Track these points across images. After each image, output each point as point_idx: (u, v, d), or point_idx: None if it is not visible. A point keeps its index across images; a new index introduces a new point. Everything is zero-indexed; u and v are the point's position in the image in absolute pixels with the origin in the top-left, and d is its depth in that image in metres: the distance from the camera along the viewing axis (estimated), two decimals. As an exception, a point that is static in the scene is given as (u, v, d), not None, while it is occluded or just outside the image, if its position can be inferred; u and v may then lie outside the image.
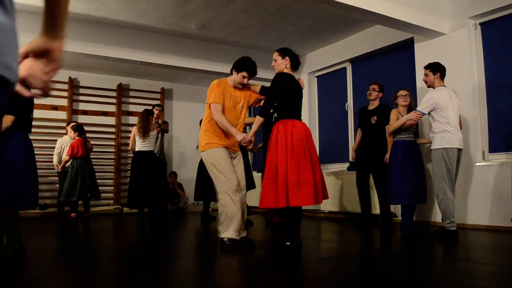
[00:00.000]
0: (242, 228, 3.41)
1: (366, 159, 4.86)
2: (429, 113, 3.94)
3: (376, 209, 5.14)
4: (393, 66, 5.92)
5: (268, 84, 3.56)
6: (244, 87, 3.55)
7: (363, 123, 4.98)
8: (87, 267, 2.93)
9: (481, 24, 4.80)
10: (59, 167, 6.30)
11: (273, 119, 3.31)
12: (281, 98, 3.20)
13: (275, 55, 3.36)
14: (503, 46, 4.61)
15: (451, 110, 3.86)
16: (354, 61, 6.52)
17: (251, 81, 3.65)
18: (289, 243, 3.10)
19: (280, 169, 3.03)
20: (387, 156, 4.60)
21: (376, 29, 5.84)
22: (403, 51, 5.76)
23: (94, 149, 7.84)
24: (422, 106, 3.94)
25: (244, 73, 3.47)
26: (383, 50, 5.95)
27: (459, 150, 3.88)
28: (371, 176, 4.91)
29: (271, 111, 3.69)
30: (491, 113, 4.70)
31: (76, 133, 6.04)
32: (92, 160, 7.75)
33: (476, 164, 4.60)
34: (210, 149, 3.40)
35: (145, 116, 5.40)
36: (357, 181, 4.97)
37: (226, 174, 3.32)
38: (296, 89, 3.26)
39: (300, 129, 3.14)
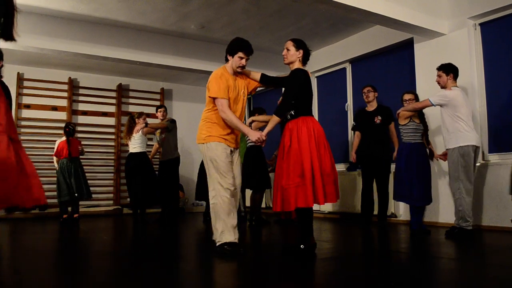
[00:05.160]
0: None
1: (372, 160, 4.82)
2: (441, 108, 4.00)
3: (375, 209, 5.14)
4: (393, 66, 5.92)
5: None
6: (243, 69, 3.29)
7: (365, 124, 4.97)
8: (86, 268, 2.93)
9: (480, 24, 4.80)
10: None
11: (289, 117, 3.12)
12: (299, 95, 3.07)
13: (289, 44, 3.17)
14: (503, 47, 4.61)
15: (465, 109, 3.92)
16: (354, 61, 6.52)
17: (250, 69, 3.42)
18: (303, 246, 3.00)
19: (305, 167, 2.91)
20: (395, 154, 4.74)
21: (376, 30, 5.84)
22: (403, 52, 5.76)
23: (93, 150, 7.88)
24: (434, 97, 4.00)
25: (240, 54, 3.17)
26: (383, 50, 5.95)
27: (476, 148, 3.92)
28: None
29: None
30: (490, 114, 4.71)
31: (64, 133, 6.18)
32: (92, 160, 7.82)
33: (476, 164, 4.59)
34: (211, 143, 3.14)
35: (130, 120, 6.04)
36: (363, 181, 4.94)
37: (224, 173, 3.09)
38: (311, 86, 3.19)
39: (319, 126, 3.08)
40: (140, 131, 5.83)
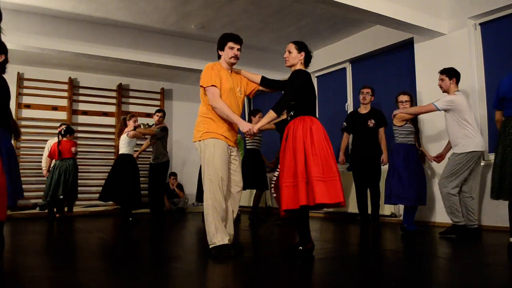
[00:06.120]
0: (231, 233, 3.16)
1: (366, 160, 4.92)
2: (446, 113, 4.00)
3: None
4: (393, 66, 5.92)
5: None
6: (237, 59, 3.21)
7: (357, 126, 5.05)
8: (85, 268, 2.92)
9: (480, 24, 4.79)
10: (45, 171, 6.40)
11: (288, 118, 3.10)
12: (300, 96, 3.02)
13: (291, 47, 3.15)
14: (502, 47, 4.60)
15: (470, 113, 3.94)
16: (354, 61, 6.52)
17: (250, 68, 3.40)
18: (301, 248, 2.94)
19: (298, 164, 2.84)
20: (384, 157, 4.84)
21: (376, 29, 5.84)
22: (403, 51, 5.76)
23: (93, 150, 7.88)
24: (439, 102, 3.99)
25: (230, 44, 3.18)
26: (383, 50, 5.95)
27: (482, 152, 3.97)
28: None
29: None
30: (490, 114, 4.70)
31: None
32: (92, 160, 7.83)
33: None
34: (209, 139, 3.07)
35: (121, 123, 6.17)
36: (356, 181, 5.03)
37: (219, 171, 3.01)
38: (313, 87, 3.14)
39: (318, 124, 3.02)
40: (126, 134, 5.83)
